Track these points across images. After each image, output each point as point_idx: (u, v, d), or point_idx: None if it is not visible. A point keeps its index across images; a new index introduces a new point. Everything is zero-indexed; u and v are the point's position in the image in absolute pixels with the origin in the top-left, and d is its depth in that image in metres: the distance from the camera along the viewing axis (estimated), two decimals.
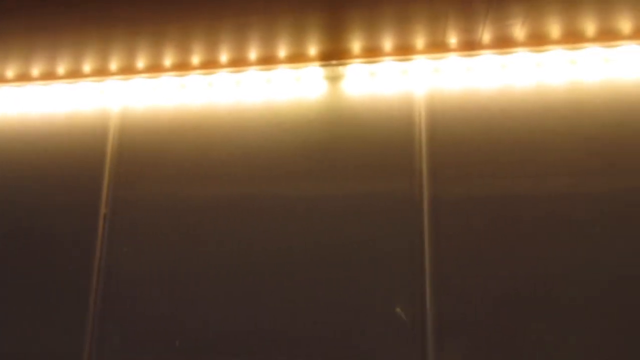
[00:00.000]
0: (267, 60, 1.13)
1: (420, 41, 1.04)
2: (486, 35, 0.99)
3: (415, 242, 1.02)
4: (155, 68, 1.17)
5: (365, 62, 1.11)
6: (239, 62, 1.14)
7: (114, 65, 1.17)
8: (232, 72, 1.16)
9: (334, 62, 1.12)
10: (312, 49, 1.09)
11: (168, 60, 1.14)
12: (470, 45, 1.03)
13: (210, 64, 1.15)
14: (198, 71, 1.17)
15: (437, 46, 1.05)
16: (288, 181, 1.10)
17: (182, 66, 1.16)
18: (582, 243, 0.97)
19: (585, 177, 0.99)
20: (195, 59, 1.13)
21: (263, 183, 1.11)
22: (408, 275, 1.01)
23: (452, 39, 1.02)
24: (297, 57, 1.12)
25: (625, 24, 0.96)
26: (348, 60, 1.11)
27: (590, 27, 0.97)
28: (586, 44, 1.01)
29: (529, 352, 0.94)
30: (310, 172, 1.10)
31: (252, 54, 1.11)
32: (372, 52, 1.08)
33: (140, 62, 1.15)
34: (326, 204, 1.08)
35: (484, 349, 0.96)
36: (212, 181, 1.14)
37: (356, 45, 1.06)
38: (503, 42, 1.01)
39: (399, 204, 1.05)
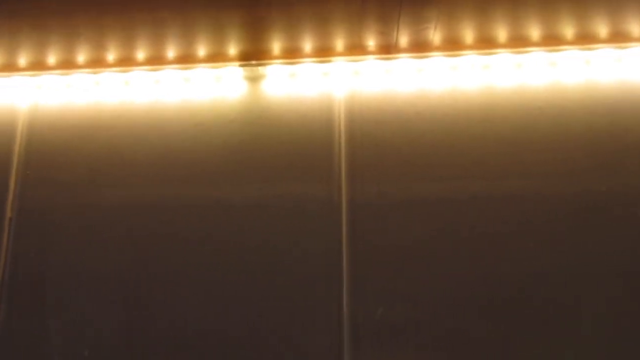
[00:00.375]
0: (186, 58, 1.10)
1: (339, 43, 1.04)
2: (402, 38, 1.00)
3: (333, 243, 1.02)
4: (67, 64, 1.12)
5: (286, 63, 1.10)
6: (156, 60, 1.10)
7: (22, 60, 1.11)
8: (149, 70, 1.12)
9: (253, 62, 1.10)
10: (232, 49, 1.07)
11: (81, 56, 1.09)
12: (387, 49, 1.04)
13: (126, 61, 1.11)
14: (113, 68, 1.13)
15: (356, 49, 1.05)
16: (206, 182, 1.08)
17: (96, 63, 1.11)
18: (499, 244, 0.99)
19: (498, 180, 1.02)
20: (110, 56, 1.09)
21: (180, 184, 1.08)
22: (326, 277, 1.01)
23: (370, 42, 1.02)
24: (216, 57, 1.09)
25: (534, 31, 1.00)
26: (268, 61, 1.10)
27: (502, 32, 1.00)
28: (499, 49, 1.04)
29: (448, 353, 0.96)
30: (229, 173, 1.08)
31: (170, 52, 1.08)
32: (292, 53, 1.08)
33: (51, 58, 1.10)
34: (245, 206, 1.06)
35: (401, 351, 0.96)
36: (127, 183, 1.10)
37: (276, 45, 1.06)
38: (419, 46, 1.03)
39: (318, 206, 1.04)
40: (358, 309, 0.99)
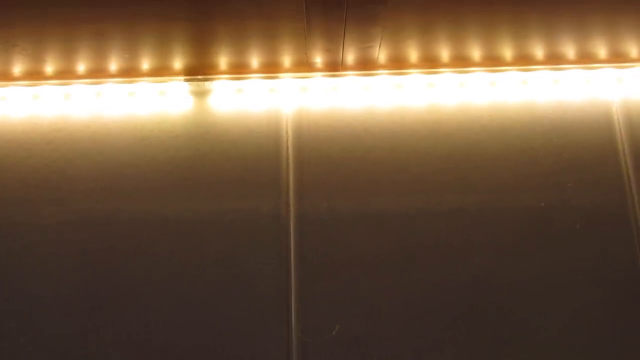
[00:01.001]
0: (130, 72, 1.08)
1: (286, 59, 1.04)
2: (348, 56, 1.02)
3: (281, 259, 1.01)
4: (2, 76, 1.08)
5: (232, 79, 1.09)
6: (98, 72, 1.07)
7: None
8: (90, 83, 1.09)
9: (199, 77, 1.09)
10: (177, 63, 1.05)
11: (18, 68, 1.05)
12: (334, 66, 1.06)
13: (66, 74, 1.07)
14: (52, 81, 1.09)
15: (303, 65, 1.06)
16: (151, 199, 1.05)
17: (34, 75, 1.07)
18: (447, 257, 1.01)
19: (443, 195, 1.04)
20: (49, 68, 1.05)
21: (124, 201, 1.05)
22: (274, 293, 0.99)
23: (317, 59, 1.03)
24: (161, 71, 1.08)
25: (475, 52, 1.03)
26: (214, 76, 1.09)
27: (445, 52, 1.03)
28: (442, 69, 1.08)
29: None
30: (174, 189, 1.06)
31: (113, 65, 1.05)
32: (239, 69, 1.07)
33: None
34: (191, 222, 1.04)
35: None
36: (68, 199, 1.05)
37: (223, 60, 1.05)
38: (365, 64, 1.05)
39: (265, 222, 1.03)
40: (307, 325, 0.98)
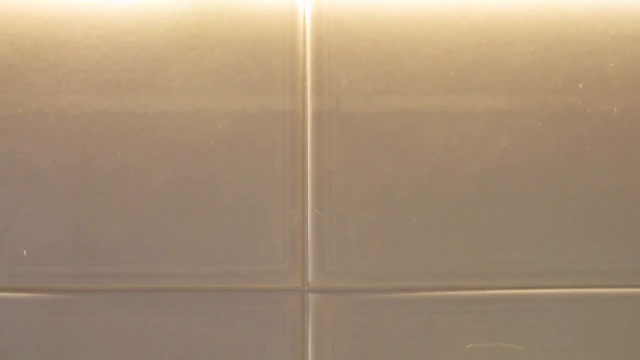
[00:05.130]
0: None
1: None
2: None
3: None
4: None
5: None
6: None
7: None
8: None
9: None
10: None
11: None
12: None
13: None
14: None
15: None
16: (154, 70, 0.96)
17: None
18: (470, 148, 0.95)
19: (472, 86, 0.96)
20: None
21: (124, 72, 0.96)
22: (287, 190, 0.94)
23: None
24: None
25: None
26: None
27: None
28: None
29: None
30: (181, 70, 0.96)
31: None
32: None
33: None
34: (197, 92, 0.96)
35: None
36: (62, 67, 0.96)
37: None
38: None
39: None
40: (323, 222, 0.93)
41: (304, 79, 0.96)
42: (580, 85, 0.96)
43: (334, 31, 0.96)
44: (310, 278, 0.93)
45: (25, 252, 0.93)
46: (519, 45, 0.96)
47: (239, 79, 0.96)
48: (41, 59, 0.96)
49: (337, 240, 0.93)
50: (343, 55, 0.96)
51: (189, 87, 0.96)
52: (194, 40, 0.96)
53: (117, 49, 0.96)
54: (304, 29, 0.96)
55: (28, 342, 0.92)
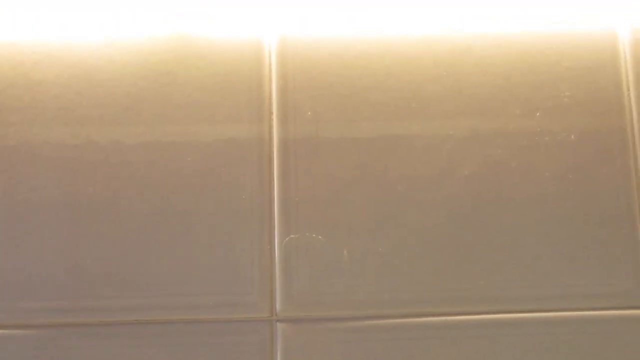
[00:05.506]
0: None
1: None
2: None
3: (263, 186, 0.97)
4: None
5: None
6: None
7: None
8: None
9: None
10: None
11: None
12: None
13: None
14: None
15: None
16: (124, 120, 0.98)
17: None
18: (432, 179, 0.97)
19: (433, 115, 0.99)
20: None
21: (95, 109, 0.98)
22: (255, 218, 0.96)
23: None
24: None
25: None
26: None
27: None
28: None
29: None
30: (151, 107, 0.99)
31: None
32: None
33: None
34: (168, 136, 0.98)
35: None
36: (34, 106, 0.98)
37: None
38: None
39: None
40: (290, 250, 0.95)
41: (270, 112, 0.99)
42: (538, 114, 0.99)
43: (299, 66, 1.00)
44: (278, 308, 0.93)
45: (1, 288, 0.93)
46: (477, 76, 1.00)
47: (207, 114, 0.99)
48: (16, 98, 0.99)
49: (305, 269, 0.94)
50: (308, 89, 0.99)
51: (160, 122, 0.98)
52: (164, 77, 0.99)
53: (89, 87, 0.99)
54: (270, 65, 1.00)
55: None
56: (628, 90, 1.01)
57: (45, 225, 0.94)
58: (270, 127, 0.98)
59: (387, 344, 0.93)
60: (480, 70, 1.00)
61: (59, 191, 0.96)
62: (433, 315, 0.94)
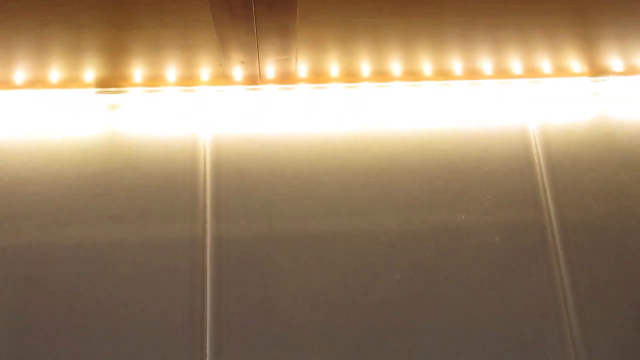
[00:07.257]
0: (37, 83, 1.01)
1: (203, 72, 1.01)
2: (266, 69, 0.99)
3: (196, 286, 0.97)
4: None
5: (147, 91, 1.05)
6: (2, 83, 1.01)
7: None
8: None
9: (112, 89, 1.04)
10: (89, 73, 1.00)
11: None
12: (252, 79, 1.03)
13: None
14: None
15: (221, 78, 1.03)
16: (57, 219, 0.99)
17: None
18: (361, 277, 0.99)
19: (360, 212, 1.02)
20: None
21: (26, 221, 0.98)
22: (188, 320, 0.95)
23: (234, 72, 1.00)
24: (71, 82, 1.02)
25: (393, 65, 1.03)
26: (128, 88, 1.04)
27: (364, 66, 1.02)
28: (361, 82, 1.07)
29: None
30: (81, 207, 1.00)
31: (21, 74, 0.99)
32: (154, 81, 1.03)
33: None
34: (99, 244, 0.98)
35: None
36: None
37: (137, 72, 1.00)
38: (284, 77, 1.03)
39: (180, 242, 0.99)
40: (220, 349, 0.94)
41: (204, 221, 1.00)
42: (463, 217, 1.03)
43: (232, 177, 1.03)
44: None
45: None
46: (403, 183, 1.05)
47: (143, 220, 1.00)
48: None
49: None
50: (241, 197, 1.02)
51: (96, 226, 0.99)
52: (96, 188, 1.01)
53: (21, 199, 0.99)
54: (205, 178, 1.03)
55: None
56: (545, 192, 1.06)
57: None
58: (205, 242, 0.99)
59: None
60: (404, 177, 1.05)
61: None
62: None
